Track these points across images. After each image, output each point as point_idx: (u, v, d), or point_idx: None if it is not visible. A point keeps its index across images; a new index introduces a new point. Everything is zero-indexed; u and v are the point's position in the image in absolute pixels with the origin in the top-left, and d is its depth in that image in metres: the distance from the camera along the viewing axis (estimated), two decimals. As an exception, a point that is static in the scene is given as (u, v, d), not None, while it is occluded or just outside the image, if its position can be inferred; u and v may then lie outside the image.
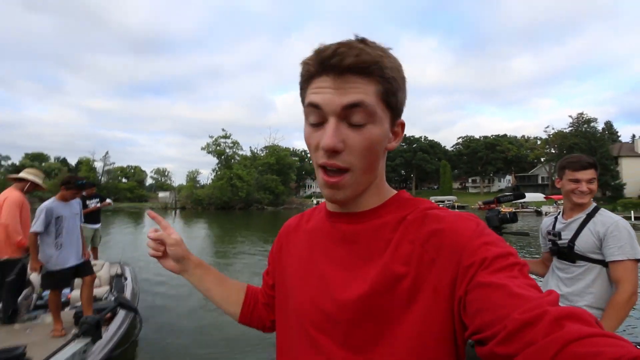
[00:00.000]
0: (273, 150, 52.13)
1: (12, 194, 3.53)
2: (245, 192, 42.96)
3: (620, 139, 54.39)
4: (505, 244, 0.46)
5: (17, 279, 3.49)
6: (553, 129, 50.92)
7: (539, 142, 60.00)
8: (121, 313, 3.37)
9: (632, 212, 24.36)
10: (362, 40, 0.49)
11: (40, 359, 2.27)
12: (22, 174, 3.65)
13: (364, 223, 0.55)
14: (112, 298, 4.31)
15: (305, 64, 0.51)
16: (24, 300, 3.83)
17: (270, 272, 0.73)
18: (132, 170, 77.83)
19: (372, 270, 0.50)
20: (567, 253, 1.70)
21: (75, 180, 3.35)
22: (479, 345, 0.40)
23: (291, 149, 67.73)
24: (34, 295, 4.14)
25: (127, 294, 4.30)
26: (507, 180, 67.16)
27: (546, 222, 1.90)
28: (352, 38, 0.50)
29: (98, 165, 63.65)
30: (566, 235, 1.71)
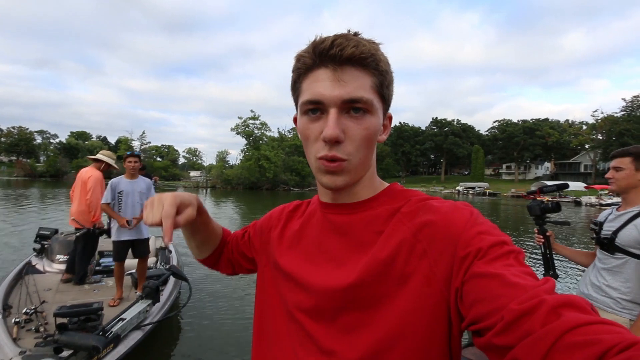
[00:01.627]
0: (300, 131, 52.20)
1: (95, 172, 3.95)
2: (273, 173, 43.77)
3: (679, 125, 49.23)
4: (500, 232, 0.46)
5: (90, 247, 3.98)
6: (602, 113, 47.17)
7: (584, 128, 55.81)
8: (171, 282, 3.74)
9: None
10: (356, 34, 0.51)
11: (112, 314, 2.63)
12: (99, 156, 4.09)
13: (356, 214, 0.55)
14: (161, 267, 4.76)
15: (301, 56, 0.52)
16: (88, 265, 4.35)
17: (248, 243, 0.73)
18: (167, 150, 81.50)
19: (362, 260, 0.51)
20: (607, 244, 1.68)
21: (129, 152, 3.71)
22: (477, 335, 0.41)
23: (318, 131, 67.45)
24: (94, 262, 4.67)
25: (174, 264, 4.73)
26: (546, 168, 63.53)
27: (605, 213, 1.86)
28: (346, 32, 0.51)
29: (135, 144, 67.15)
30: (611, 227, 1.69)
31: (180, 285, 3.85)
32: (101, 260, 4.79)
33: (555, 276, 1.95)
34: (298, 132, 0.55)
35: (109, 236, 4.81)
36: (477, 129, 72.87)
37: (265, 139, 49.07)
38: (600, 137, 47.48)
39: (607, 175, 1.73)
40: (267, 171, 43.56)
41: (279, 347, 0.58)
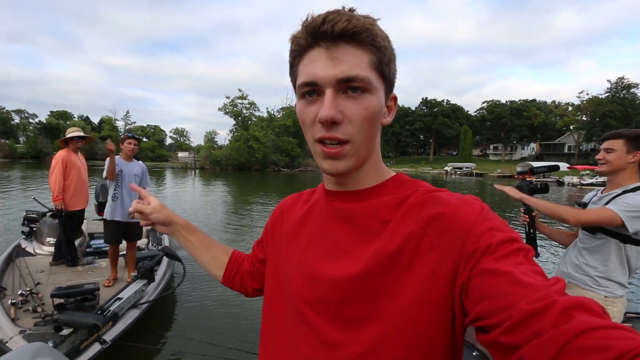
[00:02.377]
0: (290, 111, 51.64)
1: (59, 153, 3.84)
2: (262, 154, 43.47)
3: (661, 106, 50.55)
4: (510, 229, 0.45)
5: (65, 229, 3.92)
6: (587, 94, 47.90)
7: (570, 109, 56.73)
8: (164, 262, 3.80)
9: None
10: (351, 9, 0.48)
11: (108, 295, 2.69)
12: (65, 136, 3.94)
13: (362, 202, 0.54)
14: (153, 248, 4.81)
15: (294, 38, 0.50)
16: (79, 247, 4.36)
17: (261, 245, 0.74)
18: (152, 130, 79.53)
19: (368, 250, 0.50)
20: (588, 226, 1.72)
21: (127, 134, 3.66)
22: (481, 332, 0.40)
23: (308, 111, 66.66)
24: (85, 244, 4.69)
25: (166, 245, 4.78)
26: (532, 149, 64.81)
27: (590, 194, 1.90)
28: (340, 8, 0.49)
29: (120, 124, 65.37)
30: (594, 208, 1.71)
31: (173, 266, 3.92)
32: (92, 242, 4.81)
33: (537, 255, 2.02)
34: (298, 117, 0.53)
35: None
36: (466, 109, 73.34)
37: (254, 119, 48.32)
38: (585, 119, 48.45)
39: (597, 157, 1.74)
40: (256, 152, 43.19)
41: (280, 340, 0.57)
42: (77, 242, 4.33)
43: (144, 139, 74.17)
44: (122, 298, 2.41)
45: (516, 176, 2.09)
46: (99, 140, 58.84)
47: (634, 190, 1.60)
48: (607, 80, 45.78)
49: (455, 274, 0.44)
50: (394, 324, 0.46)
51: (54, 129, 66.41)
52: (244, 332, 3.29)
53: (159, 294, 3.08)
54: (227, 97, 47.08)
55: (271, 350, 0.60)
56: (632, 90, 43.53)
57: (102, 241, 4.76)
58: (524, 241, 1.93)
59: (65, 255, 3.90)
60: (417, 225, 0.48)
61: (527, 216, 1.97)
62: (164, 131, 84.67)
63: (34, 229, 4.75)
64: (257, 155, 43.23)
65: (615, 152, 1.67)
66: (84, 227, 4.74)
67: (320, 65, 0.47)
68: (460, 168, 51.82)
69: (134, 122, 69.90)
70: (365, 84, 0.48)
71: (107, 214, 3.54)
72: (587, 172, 33.86)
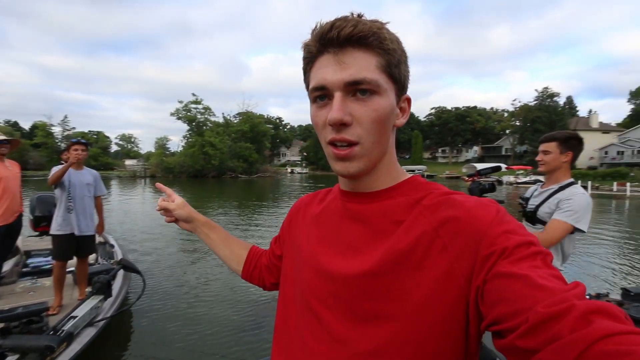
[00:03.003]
0: (247, 117, 50.69)
1: None
2: (218, 160, 42.10)
3: (578, 113, 57.88)
4: (526, 232, 0.45)
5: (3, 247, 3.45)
6: (520, 102, 53.19)
7: (505, 115, 62.60)
8: (120, 275, 3.56)
9: (579, 181, 26.83)
10: (359, 15, 0.50)
11: (62, 315, 2.47)
12: None
13: (375, 203, 0.55)
14: (104, 262, 4.47)
15: (306, 45, 0.52)
16: (15, 267, 3.90)
17: (278, 242, 0.77)
18: (95, 136, 73.07)
19: (380, 250, 0.50)
20: (530, 216, 1.94)
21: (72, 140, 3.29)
22: (497, 337, 0.39)
23: (265, 116, 66.17)
24: (21, 263, 4.20)
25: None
26: (474, 151, 70.26)
27: (531, 189, 2.10)
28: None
29: (56, 130, 59.19)
30: (535, 202, 1.94)
31: (129, 280, 3.69)
32: (28, 261, 4.32)
33: None
34: (311, 121, 0.54)
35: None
36: (416, 115, 77.50)
37: (209, 124, 46.69)
38: (518, 124, 53.75)
39: (537, 158, 1.95)
40: (212, 158, 41.72)
41: (291, 334, 0.59)
42: (12, 261, 3.87)
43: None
44: (76, 316, 2.24)
45: (466, 179, 2.26)
46: (30, 148, 52.75)
47: (567, 185, 1.84)
48: (535, 90, 51.48)
49: (470, 277, 0.44)
50: (403, 323, 0.46)
51: (-27, 135, 58.20)
52: (210, 347, 3.17)
53: (116, 310, 2.91)
54: (180, 102, 45.04)
55: (283, 344, 0.60)
56: (554, 98, 49.35)
57: (40, 259, 4.32)
58: None
59: None
60: (431, 226, 0.48)
61: None
62: (108, 137, 78.30)
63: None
64: (213, 161, 41.76)
65: (551, 153, 1.89)
66: (19, 243, 4.26)
67: (329, 70, 0.48)
68: (413, 170, 54.58)
69: (74, 128, 63.50)
70: (374, 86, 0.48)
71: (57, 227, 3.16)
72: (522, 171, 37.65)
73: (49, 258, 4.16)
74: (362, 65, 0.48)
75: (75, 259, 3.33)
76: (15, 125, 71.25)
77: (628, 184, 24.60)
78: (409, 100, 0.56)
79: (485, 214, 0.46)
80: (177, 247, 7.16)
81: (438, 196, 0.52)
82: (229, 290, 4.57)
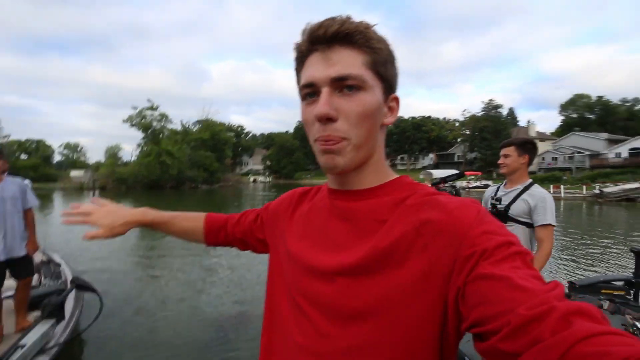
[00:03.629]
0: (207, 124, 49.30)
1: None
2: (177, 170, 40.32)
3: (519, 123, 63.68)
4: (507, 232, 0.45)
5: None
6: (469, 112, 57.34)
7: (457, 124, 67.07)
8: (71, 296, 3.38)
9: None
10: (347, 16, 0.51)
11: (6, 346, 2.28)
12: None
13: (362, 201, 0.55)
14: (51, 284, 4.18)
15: (297, 46, 0.53)
16: None
17: (258, 223, 0.76)
18: (34, 145, 66.54)
19: (363, 248, 0.51)
20: (502, 215, 2.10)
21: None
22: (479, 340, 0.39)
23: (227, 124, 64.78)
24: None
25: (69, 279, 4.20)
26: (430, 158, 74.24)
27: (490, 190, 2.33)
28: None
29: (-14, 138, 53.02)
30: (505, 201, 2.13)
31: (83, 300, 3.51)
32: None
33: None
34: (302, 119, 0.56)
35: None
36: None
37: (166, 132, 44.64)
38: (468, 132, 57.78)
39: (499, 162, 2.18)
40: (170, 168, 39.85)
41: (280, 329, 0.60)
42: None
43: (23, 156, 61.65)
44: (24, 345, 2.12)
45: (433, 186, 2.44)
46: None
47: (530, 185, 2.08)
48: (482, 101, 55.81)
49: (449, 277, 0.44)
50: (382, 321, 0.47)
51: None
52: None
53: (70, 334, 2.71)
54: (134, 108, 42.60)
55: (268, 338, 0.62)
56: (499, 109, 53.88)
57: None
58: None
59: None
60: (413, 225, 0.49)
61: None
62: (50, 146, 71.66)
63: None
64: (171, 171, 39.90)
65: (510, 156, 2.12)
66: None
67: (317, 67, 0.50)
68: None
69: (8, 135, 57.48)
70: (359, 82, 0.49)
71: None
72: (472, 177, 40.50)
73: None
74: (349, 62, 0.49)
75: (14, 282, 3.01)
76: None
77: (562, 187, 27.50)
78: (397, 100, 0.57)
79: (466, 215, 0.47)
80: (132, 265, 6.84)
81: (422, 196, 0.52)
82: (191, 309, 4.49)
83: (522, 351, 0.33)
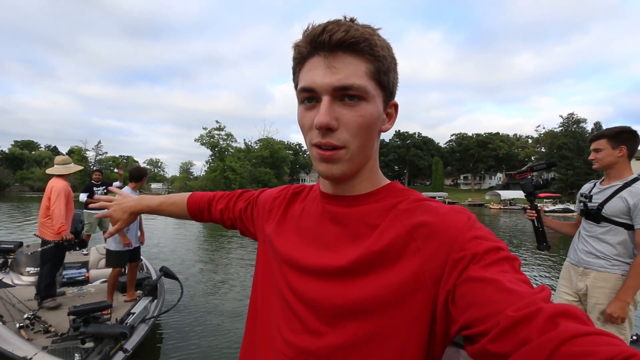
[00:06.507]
0: (267, 143, 52.36)
1: (58, 183, 3.67)
2: (238, 185, 43.23)
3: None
4: (495, 238, 0.46)
5: (57, 261, 3.80)
6: (544, 128, 52.33)
7: (530, 141, 61.36)
8: (160, 282, 3.86)
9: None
10: (351, 19, 0.50)
11: (123, 311, 2.84)
12: (53, 171, 3.76)
13: (354, 207, 0.55)
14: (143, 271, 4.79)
15: (296, 46, 0.51)
16: (58, 276, 4.27)
17: (249, 213, 0.76)
18: (125, 161, 77.05)
19: (355, 251, 0.51)
20: (594, 215, 1.89)
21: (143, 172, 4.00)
22: (469, 342, 0.40)
23: (285, 142, 68.09)
24: (61, 274, 4.57)
25: (151, 270, 4.84)
26: (498, 178, 68.62)
27: (585, 187, 2.07)
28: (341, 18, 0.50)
29: (90, 154, 63.05)
30: (598, 199, 1.89)
31: (164, 286, 4.02)
32: (64, 272, 4.64)
33: (548, 247, 2.02)
34: (298, 121, 0.55)
35: (82, 247, 4.75)
36: (437, 141, 77.38)
37: (231, 150, 48.46)
38: (544, 150, 52.47)
39: (590, 157, 1.96)
40: (232, 182, 42.95)
41: (267, 324, 0.60)
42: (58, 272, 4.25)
43: (115, 170, 71.72)
44: (134, 312, 2.50)
45: (517, 175, 2.19)
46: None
47: (633, 181, 1.81)
48: (560, 116, 50.48)
49: (439, 280, 0.45)
50: (373, 320, 0.48)
51: (17, 159, 62.88)
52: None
53: (160, 311, 3.34)
54: (205, 128, 47.34)
55: (253, 332, 0.63)
56: (581, 124, 48.19)
57: (73, 271, 4.71)
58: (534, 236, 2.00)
59: (43, 288, 3.60)
60: (405, 229, 0.49)
61: (534, 211, 2.06)
62: (137, 162, 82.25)
63: (9, 259, 4.66)
64: (233, 185, 42.96)
65: (602, 150, 1.89)
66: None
67: (319, 73, 0.48)
68: (434, 197, 53.33)
69: (106, 153, 67.59)
70: (362, 92, 0.48)
71: (113, 245, 3.72)
72: (550, 199, 36.28)
73: (82, 270, 4.68)
74: (352, 71, 0.48)
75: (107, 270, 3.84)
76: (54, 149, 76.56)
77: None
78: (395, 106, 0.57)
79: (457, 220, 0.48)
80: (198, 263, 7.41)
81: (413, 202, 0.53)
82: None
83: (511, 352, 0.34)
